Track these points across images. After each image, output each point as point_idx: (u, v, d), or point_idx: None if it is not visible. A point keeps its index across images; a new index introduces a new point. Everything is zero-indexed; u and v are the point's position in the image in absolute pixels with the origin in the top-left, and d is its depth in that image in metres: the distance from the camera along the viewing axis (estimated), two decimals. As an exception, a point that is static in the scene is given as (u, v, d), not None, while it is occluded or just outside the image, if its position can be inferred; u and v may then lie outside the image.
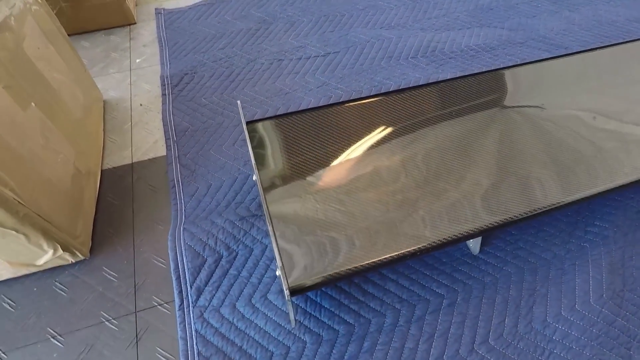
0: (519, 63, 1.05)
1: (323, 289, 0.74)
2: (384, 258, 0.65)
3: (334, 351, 0.68)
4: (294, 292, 0.60)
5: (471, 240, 0.78)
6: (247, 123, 0.85)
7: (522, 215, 0.71)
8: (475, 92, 0.95)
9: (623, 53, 1.07)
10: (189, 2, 1.48)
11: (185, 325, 0.69)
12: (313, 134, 0.85)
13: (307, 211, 0.72)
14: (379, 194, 0.74)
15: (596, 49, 1.07)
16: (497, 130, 0.87)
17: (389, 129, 0.86)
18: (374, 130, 0.86)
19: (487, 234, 0.74)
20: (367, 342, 0.69)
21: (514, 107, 0.92)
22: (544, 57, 1.05)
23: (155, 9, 1.44)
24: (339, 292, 0.75)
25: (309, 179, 0.77)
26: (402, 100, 0.93)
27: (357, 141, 0.84)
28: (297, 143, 0.83)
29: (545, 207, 0.72)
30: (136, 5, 1.49)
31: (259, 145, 0.82)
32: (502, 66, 1.08)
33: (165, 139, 1.01)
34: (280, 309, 0.73)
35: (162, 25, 1.37)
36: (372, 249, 0.66)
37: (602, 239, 0.82)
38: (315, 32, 1.33)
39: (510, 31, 1.34)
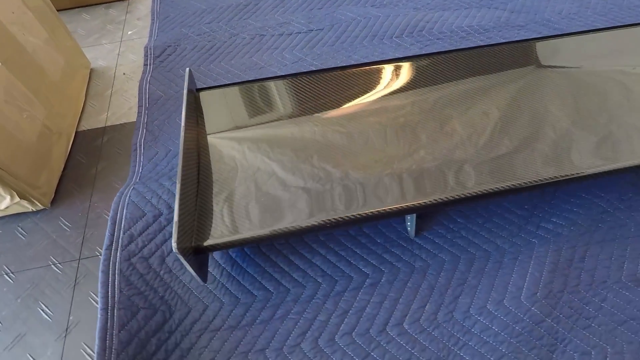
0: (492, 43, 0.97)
1: (250, 254, 0.76)
2: (291, 228, 0.64)
3: (247, 314, 0.70)
4: (186, 250, 0.61)
5: (408, 222, 0.76)
6: (197, 90, 0.88)
7: (449, 198, 0.66)
8: (433, 71, 0.90)
9: (612, 38, 0.95)
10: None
11: (109, 263, 0.73)
12: (252, 104, 0.87)
13: (227, 177, 0.73)
14: (303, 166, 0.74)
15: (589, 31, 0.97)
16: (449, 109, 0.83)
17: (332, 102, 0.85)
18: (315, 104, 0.85)
19: (406, 214, 0.70)
20: (281, 310, 0.70)
21: (470, 87, 0.87)
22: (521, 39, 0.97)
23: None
24: (265, 260, 0.76)
25: (238, 146, 0.79)
26: (350, 75, 0.90)
27: (296, 113, 0.84)
28: (234, 111, 0.85)
29: (472, 193, 0.67)
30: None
31: (196, 111, 0.84)
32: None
33: (138, 106, 1.06)
34: (209, 271, 0.75)
35: (158, 0, 1.42)
36: (281, 219, 0.66)
37: (554, 237, 0.76)
38: (304, 9, 1.32)
39: (512, 13, 1.24)
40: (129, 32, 1.33)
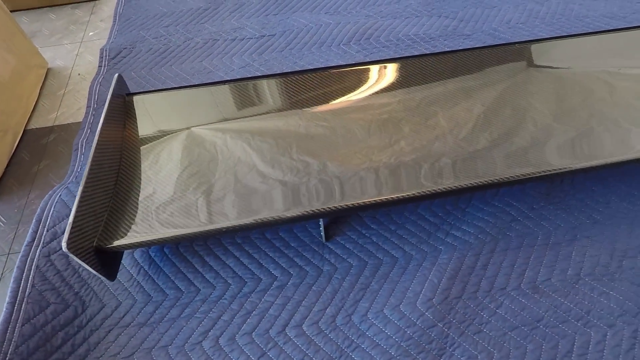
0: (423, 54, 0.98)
1: (168, 254, 0.79)
2: (191, 232, 0.67)
3: (156, 312, 0.73)
4: (83, 250, 0.62)
5: (321, 227, 0.79)
6: (129, 94, 0.90)
7: (349, 206, 0.68)
8: (357, 81, 0.92)
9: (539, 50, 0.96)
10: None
11: (27, 259, 0.76)
12: (181, 109, 0.89)
13: (149, 180, 0.76)
14: (204, 175, 0.76)
15: (520, 42, 0.98)
16: (359, 115, 0.85)
17: (260, 112, 0.87)
18: (248, 111, 0.87)
19: (302, 221, 0.74)
20: (188, 309, 0.73)
21: (384, 99, 0.89)
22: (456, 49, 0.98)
23: (121, -14, 1.55)
24: (182, 260, 0.79)
25: (165, 149, 0.81)
26: (278, 84, 0.92)
27: (222, 119, 0.86)
28: (164, 116, 0.87)
29: (374, 201, 0.69)
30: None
31: (125, 116, 0.86)
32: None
33: (86, 107, 1.10)
34: (126, 268, 0.77)
35: (122, 2, 1.45)
36: (189, 222, 0.68)
37: (461, 244, 0.78)
38: (260, 14, 1.34)
39: (461, 22, 1.26)
40: (90, 34, 1.36)
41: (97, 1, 1.48)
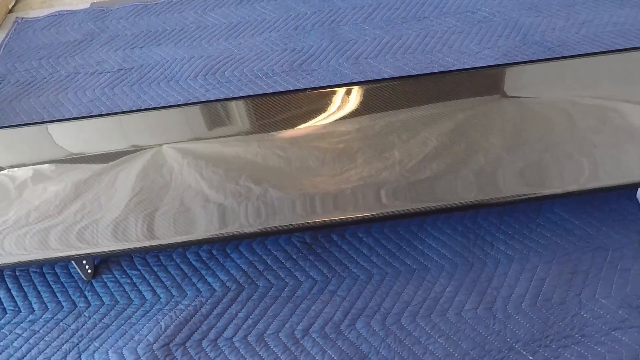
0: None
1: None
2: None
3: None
4: None
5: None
6: None
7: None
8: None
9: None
10: (57, 9, 1.59)
11: None
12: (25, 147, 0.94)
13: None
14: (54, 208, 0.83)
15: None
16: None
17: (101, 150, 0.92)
18: (86, 151, 0.92)
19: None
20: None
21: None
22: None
23: (16, 17, 1.60)
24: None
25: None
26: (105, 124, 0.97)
27: (71, 157, 0.91)
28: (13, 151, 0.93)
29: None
30: (10, 12, 1.64)
31: None
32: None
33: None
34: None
35: (11, 33, 1.53)
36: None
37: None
38: (127, 47, 1.39)
39: (311, 56, 1.25)
40: (-26, 65, 1.46)
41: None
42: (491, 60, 1.19)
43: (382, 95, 0.99)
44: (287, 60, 1.26)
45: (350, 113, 0.95)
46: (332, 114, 0.95)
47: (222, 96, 1.17)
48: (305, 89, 1.08)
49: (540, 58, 1.16)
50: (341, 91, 0.98)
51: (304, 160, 0.87)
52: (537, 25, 1.28)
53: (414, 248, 0.83)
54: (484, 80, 1.01)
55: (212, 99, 1.16)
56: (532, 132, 0.89)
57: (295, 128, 0.94)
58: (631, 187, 0.85)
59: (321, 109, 0.95)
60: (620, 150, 0.85)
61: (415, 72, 1.18)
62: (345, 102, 0.97)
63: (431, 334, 0.72)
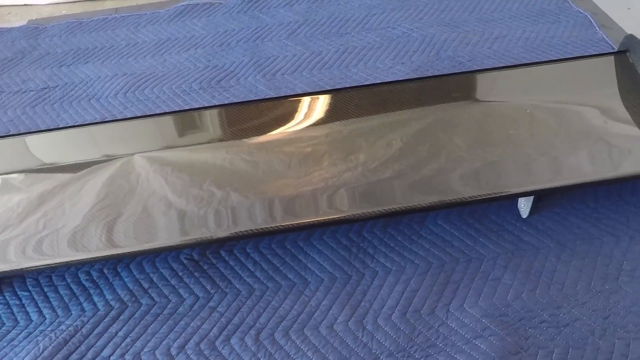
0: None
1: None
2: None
3: None
4: None
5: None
6: None
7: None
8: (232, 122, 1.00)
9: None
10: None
11: None
12: None
13: None
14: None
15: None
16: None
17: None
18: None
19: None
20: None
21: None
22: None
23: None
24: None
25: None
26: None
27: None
28: None
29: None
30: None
31: None
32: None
33: None
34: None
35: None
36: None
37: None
38: (55, 65, 1.39)
39: (230, 73, 1.26)
40: None
41: None
42: (401, 74, 1.22)
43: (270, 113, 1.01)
44: (207, 77, 1.28)
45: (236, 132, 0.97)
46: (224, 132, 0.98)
47: (139, 114, 1.18)
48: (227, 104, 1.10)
49: (445, 73, 1.19)
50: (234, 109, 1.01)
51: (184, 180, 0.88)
52: (452, 40, 1.33)
53: (298, 262, 0.86)
54: (379, 96, 1.04)
55: (129, 116, 1.17)
56: (416, 145, 0.92)
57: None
58: (511, 198, 0.88)
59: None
60: (501, 162, 0.88)
61: (328, 87, 1.21)
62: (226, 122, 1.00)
63: (301, 347, 0.75)
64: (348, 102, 1.03)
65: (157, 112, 1.19)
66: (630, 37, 1.05)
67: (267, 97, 1.19)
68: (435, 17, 1.44)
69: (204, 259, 0.87)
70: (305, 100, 1.06)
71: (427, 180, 0.86)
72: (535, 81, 1.08)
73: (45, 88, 1.32)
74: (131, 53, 1.42)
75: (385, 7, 1.49)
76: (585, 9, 1.42)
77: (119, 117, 1.18)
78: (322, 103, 1.05)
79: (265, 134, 1.00)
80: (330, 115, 1.01)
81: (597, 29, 1.34)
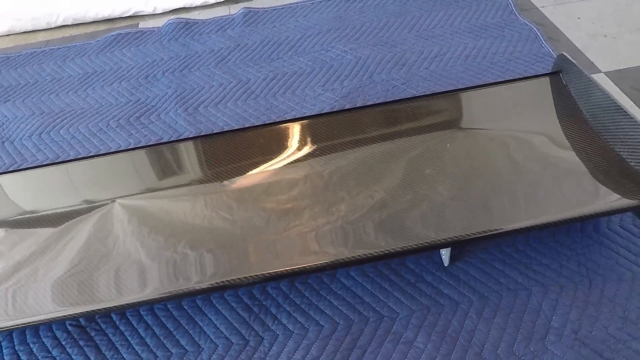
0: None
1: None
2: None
3: None
4: None
5: None
6: None
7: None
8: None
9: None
10: None
11: None
12: None
13: None
14: None
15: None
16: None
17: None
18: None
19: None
20: None
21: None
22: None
23: None
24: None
25: None
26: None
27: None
28: None
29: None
30: None
31: None
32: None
33: None
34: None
35: None
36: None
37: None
38: (31, 96, 1.29)
39: (152, 107, 1.20)
40: None
41: None
42: (329, 102, 1.15)
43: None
44: (127, 113, 1.21)
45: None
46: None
47: (51, 156, 1.11)
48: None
49: (375, 99, 1.12)
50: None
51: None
52: (387, 61, 1.25)
53: (194, 326, 0.78)
54: (281, 135, 0.96)
55: (41, 160, 1.09)
56: (325, 192, 0.83)
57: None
58: (429, 250, 0.77)
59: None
60: (413, 209, 0.78)
61: (252, 120, 1.13)
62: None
63: None
64: (252, 142, 0.93)
65: (71, 153, 1.12)
66: (562, 57, 0.97)
67: (184, 135, 1.10)
68: (372, 37, 1.37)
69: (91, 325, 0.79)
70: (199, 143, 0.94)
71: (338, 231, 0.75)
72: (463, 108, 1.00)
73: (21, 117, 1.23)
74: (54, 89, 1.34)
75: (322, 27, 1.42)
76: (532, 20, 1.35)
77: (30, 162, 1.10)
78: (216, 149, 0.93)
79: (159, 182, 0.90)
80: (233, 163, 0.91)
81: (543, 42, 1.26)
